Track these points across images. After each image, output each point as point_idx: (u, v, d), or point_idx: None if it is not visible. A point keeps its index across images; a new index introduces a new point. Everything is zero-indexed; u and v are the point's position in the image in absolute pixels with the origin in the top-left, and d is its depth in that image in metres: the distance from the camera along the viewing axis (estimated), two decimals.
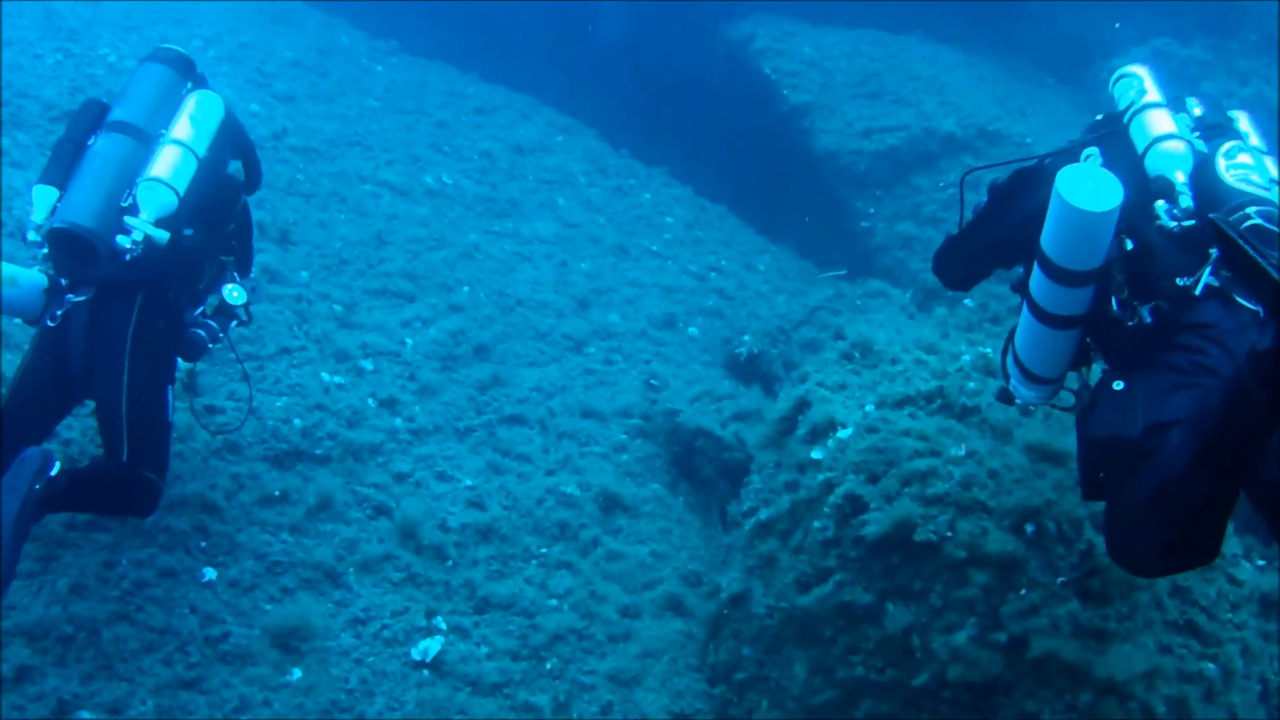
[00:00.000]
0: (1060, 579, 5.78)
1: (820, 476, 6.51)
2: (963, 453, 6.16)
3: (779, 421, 7.28)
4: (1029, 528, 5.86)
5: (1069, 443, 6.01)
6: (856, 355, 7.43)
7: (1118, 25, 16.25)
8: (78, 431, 6.95)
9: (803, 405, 7.13)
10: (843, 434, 6.62)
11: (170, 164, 6.05)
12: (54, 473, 5.55)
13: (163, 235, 5.92)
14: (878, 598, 6.11)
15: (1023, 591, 5.77)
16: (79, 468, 5.89)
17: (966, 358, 7.03)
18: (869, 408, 6.75)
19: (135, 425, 5.93)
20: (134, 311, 6.05)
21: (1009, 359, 5.53)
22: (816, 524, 6.41)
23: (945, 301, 10.85)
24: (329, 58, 14.79)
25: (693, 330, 11.04)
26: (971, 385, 6.69)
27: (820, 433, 6.80)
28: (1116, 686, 5.65)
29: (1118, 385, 4.78)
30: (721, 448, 8.70)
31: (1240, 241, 3.52)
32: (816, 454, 6.67)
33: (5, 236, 8.23)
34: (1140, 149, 5.25)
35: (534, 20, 16.93)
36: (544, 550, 7.77)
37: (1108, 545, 4.58)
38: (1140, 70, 5.66)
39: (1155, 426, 4.33)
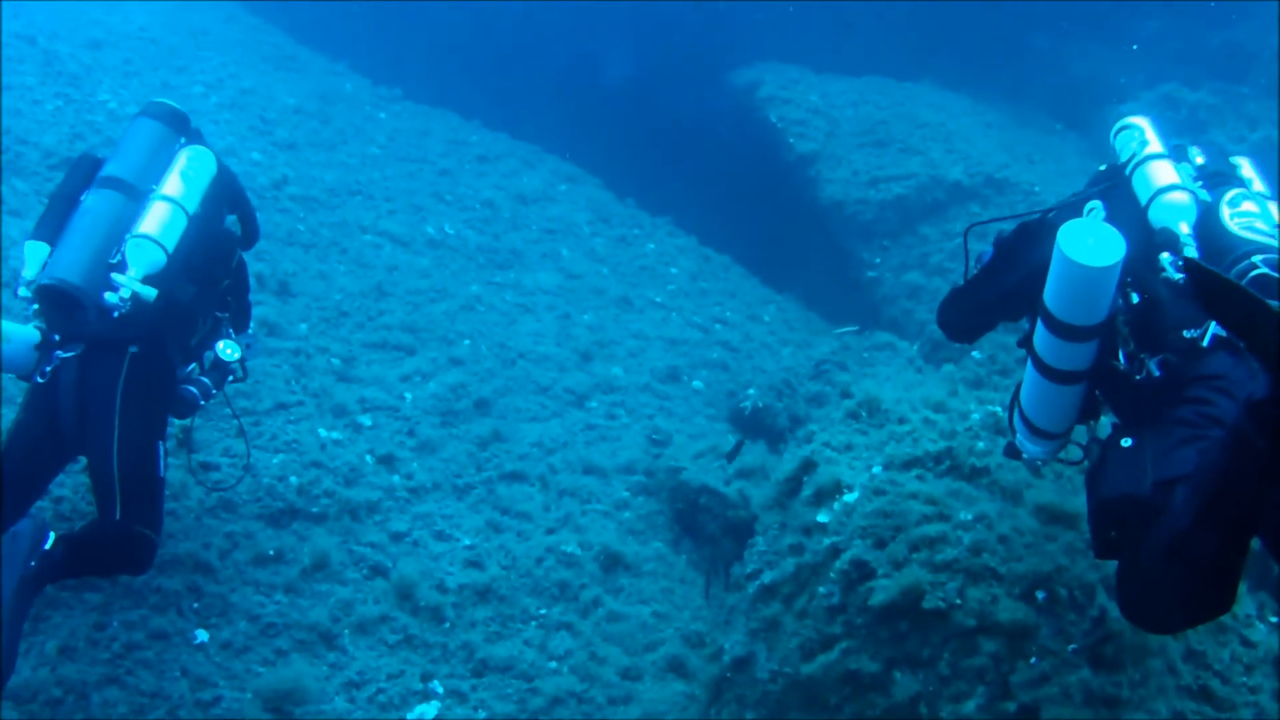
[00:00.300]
0: (1072, 646, 5.65)
1: (826, 541, 6.37)
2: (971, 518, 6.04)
3: (784, 482, 7.14)
4: (1040, 594, 5.73)
5: (1080, 504, 5.91)
6: (863, 414, 7.32)
7: (1135, 47, 16.24)
8: (69, 489, 6.85)
9: (808, 466, 7.00)
10: (849, 497, 6.49)
11: (159, 221, 6.02)
12: (49, 545, 5.50)
13: (150, 292, 5.88)
14: (885, 666, 5.97)
15: (1033, 660, 5.63)
16: (73, 533, 5.79)
17: (975, 416, 6.91)
18: (876, 469, 6.62)
19: (127, 481, 5.87)
20: (123, 368, 6.01)
21: (1015, 414, 5.48)
22: (822, 590, 6.28)
23: (953, 353, 10.75)
24: (332, 105, 14.79)
25: (697, 384, 10.94)
26: (981, 445, 6.57)
27: (826, 495, 6.68)
28: None
29: (1126, 442, 4.74)
30: (726, 505, 8.53)
31: (1210, 272, 3.43)
32: (822, 517, 6.54)
33: (2, 286, 8.12)
34: (1143, 201, 5.23)
35: (538, 67, 16.94)
36: (543, 611, 7.63)
37: (1120, 604, 4.51)
38: (1141, 121, 5.65)
39: (1164, 483, 4.28)
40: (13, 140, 10.21)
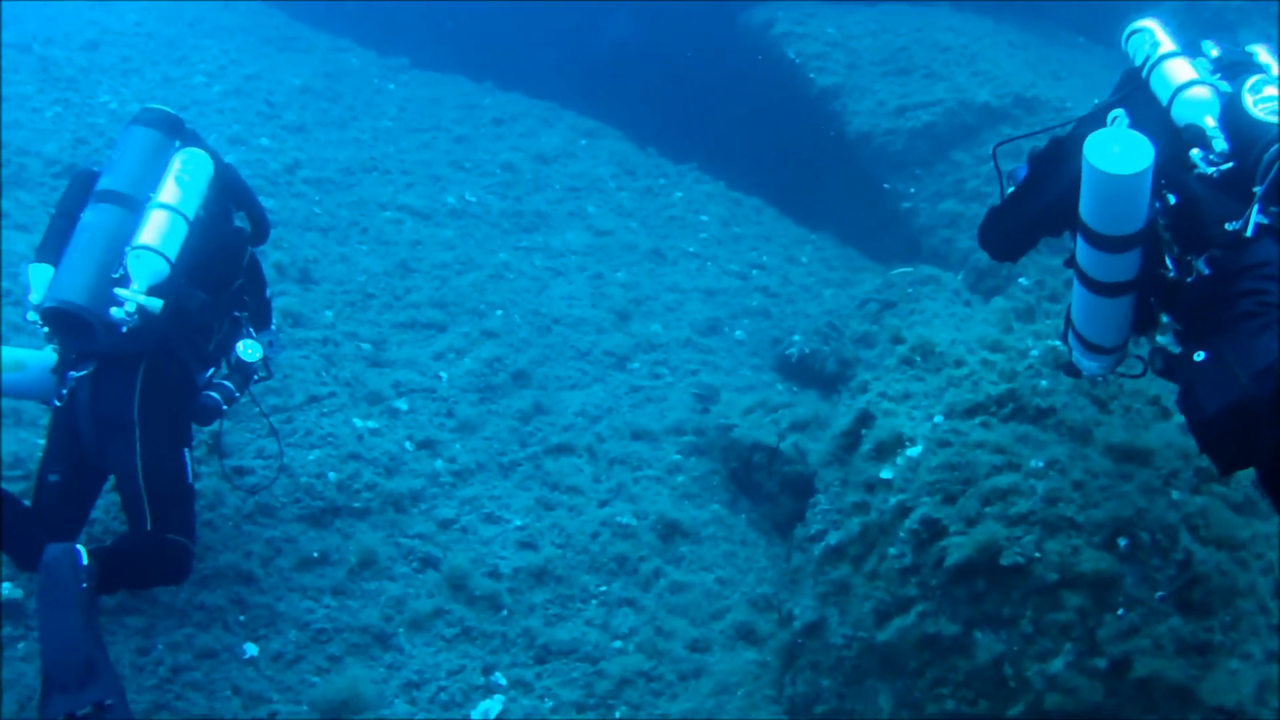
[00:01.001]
0: (1159, 594, 5.43)
1: (892, 499, 6.13)
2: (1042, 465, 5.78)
3: (841, 436, 6.91)
4: (1122, 541, 5.49)
5: (1151, 439, 5.85)
6: (918, 359, 7.07)
7: None
8: (100, 509, 6.62)
9: (865, 418, 6.77)
10: (912, 451, 6.24)
11: (158, 230, 5.83)
12: (85, 562, 5.32)
13: (155, 303, 5.69)
14: (964, 627, 5.72)
15: (1120, 611, 5.40)
16: (104, 547, 5.64)
17: (1035, 353, 6.63)
18: (937, 418, 6.37)
19: (155, 495, 5.82)
20: (137, 382, 5.92)
21: (1069, 331, 5.38)
22: (892, 550, 6.04)
23: (999, 281, 10.53)
24: (339, 81, 14.62)
25: (739, 333, 10.71)
26: (1044, 384, 6.30)
27: (887, 449, 6.44)
28: (1227, 708, 5.27)
29: (1199, 356, 4.60)
30: (781, 461, 8.31)
31: None
32: (886, 473, 6.30)
33: (10, 305, 7.96)
34: (1164, 101, 5.18)
35: (547, 22, 16.68)
36: (603, 588, 7.40)
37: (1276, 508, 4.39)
38: (1150, 23, 5.56)
39: (1259, 374, 4.19)
40: (13, 152, 10.08)
